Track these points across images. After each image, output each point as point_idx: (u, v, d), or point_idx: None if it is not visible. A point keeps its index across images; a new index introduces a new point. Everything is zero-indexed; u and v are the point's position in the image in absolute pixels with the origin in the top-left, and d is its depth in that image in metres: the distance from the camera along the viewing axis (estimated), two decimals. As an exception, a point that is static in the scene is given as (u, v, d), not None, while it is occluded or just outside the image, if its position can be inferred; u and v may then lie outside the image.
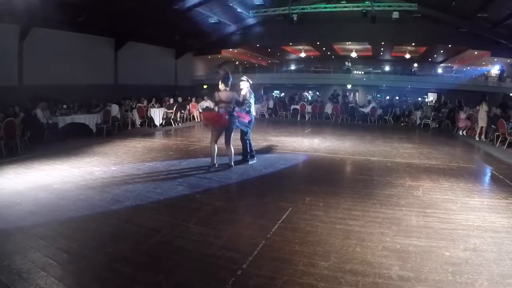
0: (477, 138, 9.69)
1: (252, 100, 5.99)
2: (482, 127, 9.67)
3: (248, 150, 6.08)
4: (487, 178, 5.74)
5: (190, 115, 13.50)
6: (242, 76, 6.14)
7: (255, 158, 6.17)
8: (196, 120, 13.27)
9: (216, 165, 5.47)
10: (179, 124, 12.39)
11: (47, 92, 9.73)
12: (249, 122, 5.94)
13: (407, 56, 21.66)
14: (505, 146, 8.00)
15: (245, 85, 5.95)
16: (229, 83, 5.39)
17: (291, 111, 15.58)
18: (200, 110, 13.32)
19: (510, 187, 4.87)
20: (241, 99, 5.71)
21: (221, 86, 5.39)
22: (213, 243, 2.97)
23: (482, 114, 9.63)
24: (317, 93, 24.72)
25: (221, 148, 5.59)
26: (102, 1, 10.41)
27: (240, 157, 6.07)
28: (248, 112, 5.87)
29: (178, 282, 2.42)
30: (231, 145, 5.53)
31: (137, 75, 14.75)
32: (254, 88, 6.27)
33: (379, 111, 14.26)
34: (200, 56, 20.45)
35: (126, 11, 11.53)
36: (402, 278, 2.43)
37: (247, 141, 6.01)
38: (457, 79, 20.94)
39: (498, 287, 2.35)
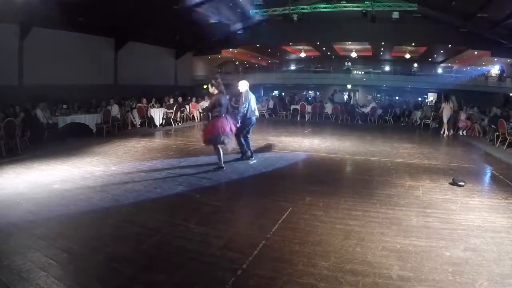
0: (441, 132, 10.49)
1: (252, 101, 5.96)
2: (445, 123, 10.43)
3: (245, 148, 6.05)
4: (487, 178, 5.73)
5: (190, 115, 13.49)
6: (242, 79, 6.16)
7: (254, 158, 6.15)
8: (196, 120, 13.26)
9: (224, 168, 5.43)
10: (179, 124, 12.39)
11: (47, 92, 9.73)
12: (250, 122, 5.95)
13: (407, 56, 21.65)
14: (505, 146, 8.00)
15: (243, 86, 5.93)
16: (216, 86, 5.27)
17: (291, 111, 15.59)
18: (200, 110, 13.35)
19: (510, 187, 4.87)
20: (243, 99, 5.70)
21: (211, 89, 5.37)
22: (213, 243, 2.97)
23: (447, 111, 10.40)
24: (317, 93, 24.77)
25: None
26: (102, 1, 10.40)
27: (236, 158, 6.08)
28: (243, 114, 5.81)
29: (178, 282, 2.42)
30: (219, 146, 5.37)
31: (137, 75, 14.74)
32: (253, 88, 6.26)
33: (379, 111, 14.26)
34: (200, 56, 20.45)
35: (126, 11, 11.52)
36: (402, 278, 2.43)
37: (242, 140, 5.99)
38: (457, 79, 20.95)
39: (498, 287, 2.35)
